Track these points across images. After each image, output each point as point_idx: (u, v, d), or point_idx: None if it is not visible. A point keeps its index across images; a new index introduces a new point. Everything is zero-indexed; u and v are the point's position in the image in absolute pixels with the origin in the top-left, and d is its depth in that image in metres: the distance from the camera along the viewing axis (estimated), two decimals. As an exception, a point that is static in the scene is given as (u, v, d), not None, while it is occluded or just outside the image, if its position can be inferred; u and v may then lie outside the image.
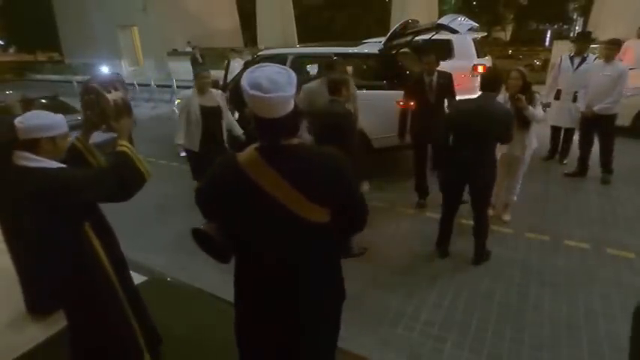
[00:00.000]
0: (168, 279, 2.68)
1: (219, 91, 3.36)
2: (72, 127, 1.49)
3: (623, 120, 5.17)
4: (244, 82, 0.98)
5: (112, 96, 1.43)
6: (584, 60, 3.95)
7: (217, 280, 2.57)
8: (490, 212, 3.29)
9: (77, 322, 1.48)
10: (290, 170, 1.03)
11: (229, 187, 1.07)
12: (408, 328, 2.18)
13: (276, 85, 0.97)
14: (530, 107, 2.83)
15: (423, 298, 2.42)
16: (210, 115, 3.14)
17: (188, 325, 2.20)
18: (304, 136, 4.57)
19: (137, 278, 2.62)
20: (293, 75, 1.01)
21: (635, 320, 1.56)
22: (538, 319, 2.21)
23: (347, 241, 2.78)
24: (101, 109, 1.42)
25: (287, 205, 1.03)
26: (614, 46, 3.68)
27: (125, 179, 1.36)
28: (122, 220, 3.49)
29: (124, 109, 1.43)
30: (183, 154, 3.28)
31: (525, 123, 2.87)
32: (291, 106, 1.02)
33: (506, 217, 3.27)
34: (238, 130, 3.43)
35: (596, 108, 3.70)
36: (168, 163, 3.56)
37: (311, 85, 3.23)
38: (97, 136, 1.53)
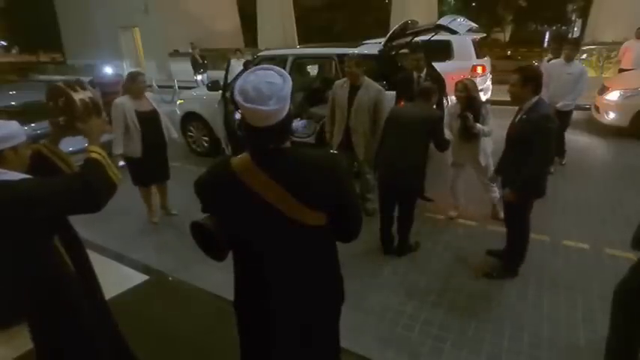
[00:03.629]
0: (170, 278, 2.69)
1: (152, 94, 3.33)
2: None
3: (622, 120, 5.19)
4: (237, 84, 0.98)
5: (80, 95, 1.29)
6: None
7: (220, 279, 2.58)
8: (453, 214, 3.32)
9: (41, 342, 1.38)
10: (281, 173, 1.03)
11: (222, 189, 1.08)
12: (408, 328, 2.19)
13: (260, 96, 0.94)
14: (478, 125, 2.85)
15: (422, 297, 2.43)
16: (148, 120, 3.11)
17: (189, 324, 2.21)
18: (300, 130, 4.62)
19: (138, 277, 2.65)
20: (286, 86, 0.97)
21: (614, 300, 1.59)
22: (537, 318, 2.22)
23: (404, 237, 2.82)
24: (68, 110, 1.29)
25: (279, 207, 1.03)
26: (574, 47, 3.98)
27: (95, 189, 1.23)
28: (125, 219, 3.53)
29: (92, 109, 1.30)
30: (121, 164, 3.13)
31: (474, 135, 2.91)
32: (279, 116, 0.99)
33: (502, 215, 3.28)
34: (174, 133, 3.42)
35: (559, 104, 3.88)
36: (171, 162, 3.58)
37: (338, 81, 3.31)
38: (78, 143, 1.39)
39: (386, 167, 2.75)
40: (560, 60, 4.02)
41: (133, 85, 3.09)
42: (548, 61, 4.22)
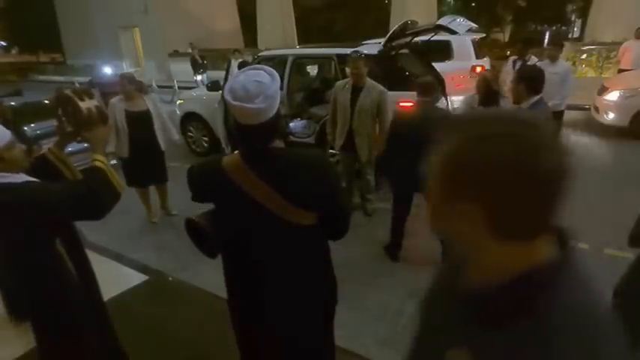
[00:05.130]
0: (170, 278, 2.69)
1: (153, 94, 3.40)
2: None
3: (622, 121, 5.19)
4: (227, 84, 1.02)
5: (86, 104, 1.31)
6: (524, 63, 4.16)
7: (219, 279, 2.57)
8: None
9: (43, 342, 1.39)
10: (269, 172, 1.04)
11: (212, 187, 1.10)
12: (408, 328, 2.19)
13: (247, 94, 0.97)
14: None
15: (422, 297, 2.43)
16: (137, 121, 3.12)
17: (189, 324, 2.21)
18: (300, 131, 4.61)
19: (138, 278, 2.65)
20: (274, 85, 1.00)
21: (614, 299, 1.59)
22: (536, 318, 2.22)
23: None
24: (74, 118, 1.31)
25: (267, 206, 1.04)
26: (557, 47, 4.11)
27: (100, 197, 1.25)
28: (125, 219, 3.54)
29: (98, 118, 1.32)
30: (113, 162, 3.18)
31: None
32: (267, 114, 1.01)
33: None
34: (175, 135, 3.43)
35: (549, 104, 3.83)
36: (170, 162, 3.59)
37: (339, 82, 3.32)
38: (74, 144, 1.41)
39: (403, 176, 2.49)
40: (546, 61, 4.08)
41: (120, 87, 3.16)
42: (514, 62, 4.22)
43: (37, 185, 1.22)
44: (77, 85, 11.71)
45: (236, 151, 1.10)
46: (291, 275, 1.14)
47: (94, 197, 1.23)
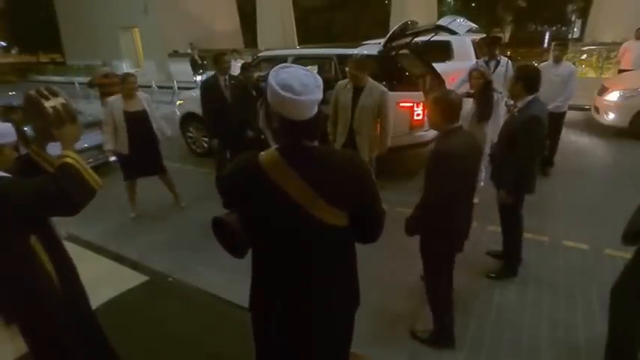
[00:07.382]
0: (170, 279, 2.69)
1: (145, 95, 3.49)
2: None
3: (622, 121, 5.19)
4: (273, 82, 0.99)
5: (51, 103, 1.30)
6: (498, 63, 4.06)
7: (220, 280, 2.58)
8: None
9: (28, 341, 1.38)
10: (309, 171, 1.03)
11: (248, 183, 1.08)
12: (408, 328, 2.19)
13: (307, 88, 0.99)
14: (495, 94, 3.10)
15: (422, 298, 2.42)
16: (134, 120, 3.26)
17: (188, 325, 2.21)
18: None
19: (138, 278, 2.64)
20: (319, 78, 1.02)
21: (612, 299, 1.60)
22: (536, 319, 2.22)
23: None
24: (41, 117, 1.31)
25: (304, 205, 1.03)
26: (562, 48, 3.97)
27: (69, 191, 1.22)
28: (125, 218, 3.54)
29: (65, 116, 1.30)
30: (112, 158, 3.41)
31: (485, 118, 3.07)
32: (316, 109, 1.03)
33: (475, 200, 3.33)
34: (167, 131, 3.57)
35: (550, 107, 3.71)
36: (170, 163, 3.60)
37: (341, 82, 3.32)
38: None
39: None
40: (550, 62, 4.02)
41: (124, 85, 3.28)
42: (486, 62, 4.07)
43: (7, 180, 1.22)
44: (77, 85, 11.73)
45: (272, 149, 1.08)
46: (323, 275, 1.13)
47: (64, 193, 1.21)
